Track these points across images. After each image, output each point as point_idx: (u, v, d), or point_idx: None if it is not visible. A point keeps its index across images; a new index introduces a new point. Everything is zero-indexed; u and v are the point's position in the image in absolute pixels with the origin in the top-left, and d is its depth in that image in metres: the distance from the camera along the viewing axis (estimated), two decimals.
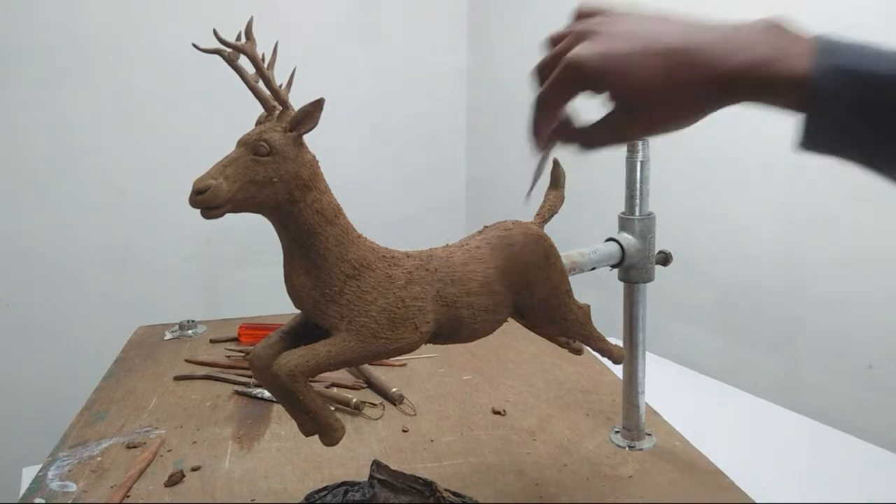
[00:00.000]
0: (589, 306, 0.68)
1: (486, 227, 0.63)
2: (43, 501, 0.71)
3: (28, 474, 0.83)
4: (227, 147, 0.49)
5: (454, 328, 0.57)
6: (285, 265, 0.53)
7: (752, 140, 1.13)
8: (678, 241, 0.85)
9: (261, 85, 0.50)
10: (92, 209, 1.68)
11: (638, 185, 0.75)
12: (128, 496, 0.73)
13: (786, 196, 1.10)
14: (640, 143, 0.75)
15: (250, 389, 0.99)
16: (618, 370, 0.86)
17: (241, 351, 1.16)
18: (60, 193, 1.65)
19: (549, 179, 0.73)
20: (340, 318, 0.51)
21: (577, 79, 0.42)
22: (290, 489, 0.74)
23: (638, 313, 0.79)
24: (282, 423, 0.90)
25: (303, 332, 0.55)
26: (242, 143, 0.49)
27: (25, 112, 1.59)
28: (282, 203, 0.49)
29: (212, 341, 1.22)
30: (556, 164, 0.71)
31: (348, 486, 0.68)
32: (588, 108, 0.47)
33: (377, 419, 0.91)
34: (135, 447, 0.83)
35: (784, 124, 1.08)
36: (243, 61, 0.49)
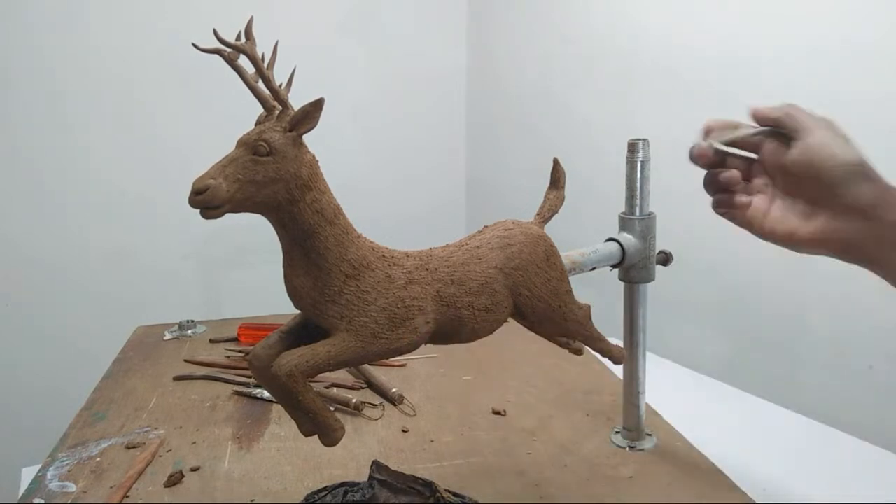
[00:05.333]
0: (589, 306, 0.68)
1: (486, 227, 0.63)
2: (42, 502, 0.71)
3: (27, 474, 0.83)
4: (227, 147, 0.49)
5: (454, 328, 0.56)
6: (285, 265, 0.53)
7: None
8: (678, 241, 0.85)
9: (261, 85, 0.50)
10: (92, 209, 1.68)
11: (638, 185, 0.75)
12: (127, 496, 0.73)
13: None
14: (640, 142, 0.74)
15: (250, 390, 0.99)
16: (618, 370, 0.85)
17: (240, 351, 1.16)
18: (60, 193, 1.65)
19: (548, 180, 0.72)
20: (340, 318, 0.51)
21: None
22: (289, 489, 0.74)
23: (638, 313, 0.79)
24: (281, 424, 0.90)
25: (303, 332, 0.54)
26: (242, 143, 0.49)
27: (25, 112, 1.59)
28: (281, 203, 0.49)
29: (211, 341, 1.22)
30: (556, 163, 0.71)
31: (348, 486, 0.68)
32: None
33: (377, 419, 0.91)
34: (134, 447, 0.83)
35: None
36: (243, 61, 0.49)
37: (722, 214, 0.53)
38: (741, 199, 0.52)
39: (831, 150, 0.45)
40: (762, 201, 0.51)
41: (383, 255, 0.54)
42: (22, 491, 0.75)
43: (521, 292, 0.59)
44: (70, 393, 1.08)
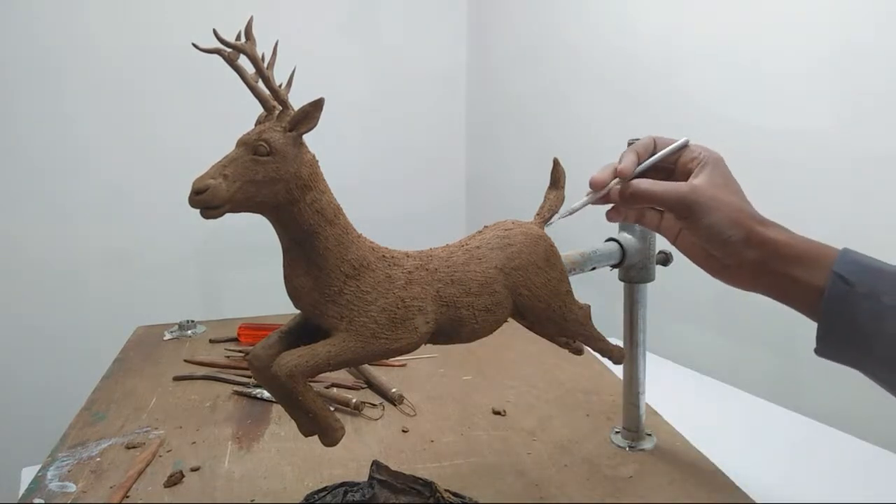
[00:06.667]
0: (589, 306, 0.68)
1: (486, 227, 0.63)
2: (42, 502, 0.71)
3: (27, 474, 0.83)
4: (227, 147, 0.49)
5: (454, 328, 0.56)
6: (285, 265, 0.53)
7: (751, 139, 1.13)
8: None
9: (261, 85, 0.50)
10: (92, 209, 1.68)
11: None
12: (127, 496, 0.73)
13: (784, 194, 1.10)
14: None
15: (250, 390, 0.99)
16: (618, 370, 0.85)
17: (240, 351, 1.16)
18: (60, 194, 1.65)
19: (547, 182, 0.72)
20: (340, 318, 0.51)
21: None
22: (289, 489, 0.74)
23: (638, 313, 0.79)
24: (281, 424, 0.90)
25: (303, 332, 0.54)
26: (242, 143, 0.49)
27: (25, 112, 1.59)
28: (281, 203, 0.49)
29: (211, 341, 1.22)
30: (556, 163, 0.71)
31: (348, 486, 0.68)
32: None
33: (377, 419, 0.91)
34: (134, 447, 0.83)
35: (784, 124, 1.08)
36: (243, 61, 0.49)
37: (626, 222, 0.59)
38: (651, 214, 0.56)
39: (721, 236, 0.50)
40: (673, 221, 0.55)
41: (383, 256, 0.54)
42: (22, 491, 0.75)
43: (521, 292, 0.59)
44: (70, 393, 1.08)
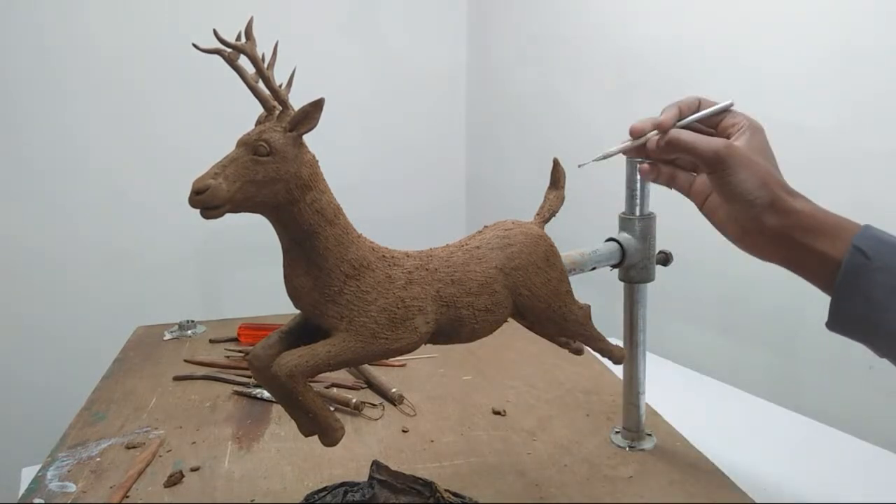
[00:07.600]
0: (589, 306, 0.68)
1: (486, 227, 0.63)
2: (42, 502, 0.71)
3: (27, 474, 0.83)
4: (227, 147, 0.49)
5: (454, 328, 0.56)
6: (285, 265, 0.53)
7: None
8: (678, 241, 0.85)
9: (261, 85, 0.50)
10: (92, 209, 1.68)
11: (638, 185, 0.75)
12: (127, 496, 0.73)
13: None
14: None
15: (250, 390, 0.99)
16: (618, 370, 0.85)
17: (240, 351, 1.16)
18: (60, 193, 1.65)
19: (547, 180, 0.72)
20: (340, 318, 0.51)
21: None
22: (289, 489, 0.74)
23: (638, 313, 0.79)
24: (281, 424, 0.90)
25: (303, 332, 0.55)
26: (242, 143, 0.49)
27: (26, 112, 1.59)
28: (281, 203, 0.49)
29: (211, 341, 1.22)
30: (556, 164, 0.71)
31: (348, 486, 0.68)
32: None
33: (377, 419, 0.91)
34: (134, 447, 0.83)
35: (785, 124, 1.09)
36: (243, 61, 0.49)
37: (657, 181, 0.58)
38: (683, 176, 0.56)
39: (747, 196, 0.50)
40: (703, 185, 0.55)
41: (383, 256, 0.54)
42: (22, 491, 0.75)
43: (521, 292, 0.59)
44: (70, 393, 1.08)
